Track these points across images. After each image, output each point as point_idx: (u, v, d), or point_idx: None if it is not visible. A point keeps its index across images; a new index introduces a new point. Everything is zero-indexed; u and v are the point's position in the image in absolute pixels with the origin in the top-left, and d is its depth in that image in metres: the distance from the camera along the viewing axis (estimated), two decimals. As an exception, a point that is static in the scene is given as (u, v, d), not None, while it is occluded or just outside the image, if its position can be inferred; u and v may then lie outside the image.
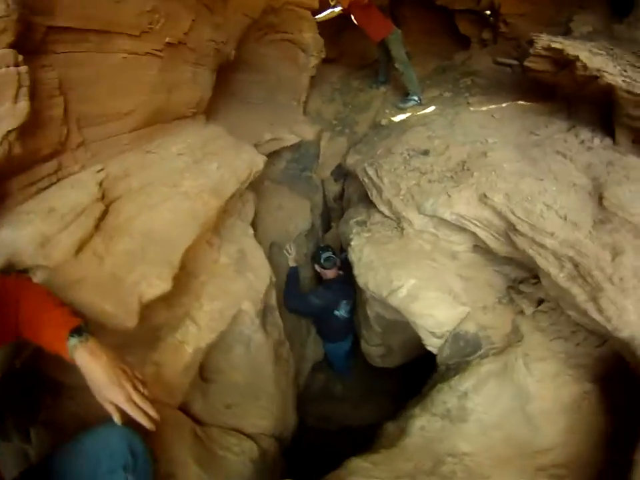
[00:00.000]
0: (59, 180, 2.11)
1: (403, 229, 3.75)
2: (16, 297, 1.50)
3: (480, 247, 3.44)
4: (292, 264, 4.45)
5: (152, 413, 1.44)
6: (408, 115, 5.51)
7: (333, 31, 6.87)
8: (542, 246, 2.59)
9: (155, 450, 1.82)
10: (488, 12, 6.34)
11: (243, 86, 5.08)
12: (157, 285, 2.13)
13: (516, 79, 5.35)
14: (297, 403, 3.79)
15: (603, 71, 3.05)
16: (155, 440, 1.89)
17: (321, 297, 4.35)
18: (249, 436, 2.83)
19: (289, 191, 5.23)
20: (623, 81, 2.94)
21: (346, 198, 5.57)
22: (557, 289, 2.59)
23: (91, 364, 1.42)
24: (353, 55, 7.58)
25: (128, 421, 1.44)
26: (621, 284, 2.20)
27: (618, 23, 4.14)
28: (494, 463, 2.53)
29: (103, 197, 2.23)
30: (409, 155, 4.07)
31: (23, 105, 1.66)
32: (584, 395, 2.60)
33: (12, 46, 1.60)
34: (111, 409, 1.41)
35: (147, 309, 2.09)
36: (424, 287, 3.33)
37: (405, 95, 5.94)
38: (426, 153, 3.98)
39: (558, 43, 3.39)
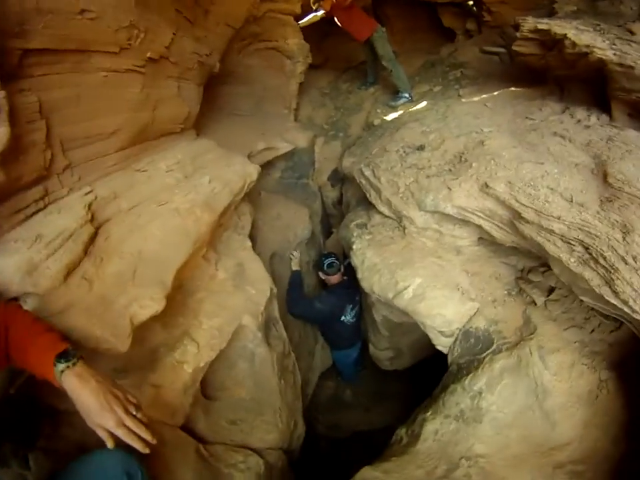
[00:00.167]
0: (46, 205, 2.07)
1: (404, 228, 3.69)
2: (5, 324, 1.47)
3: (484, 239, 3.38)
4: (295, 268, 4.43)
5: (146, 436, 1.41)
6: (400, 112, 5.48)
7: (317, 37, 6.88)
8: (550, 231, 2.50)
9: (157, 472, 1.82)
10: (471, 2, 6.35)
11: (230, 98, 5.07)
12: (149, 305, 2.08)
13: (504, 67, 5.34)
14: (305, 413, 3.75)
15: (593, 47, 3.03)
16: (156, 462, 1.89)
17: (325, 301, 4.32)
18: (255, 451, 2.78)
19: (286, 200, 5.19)
20: (614, 54, 2.92)
21: (345, 202, 5.50)
22: (569, 275, 2.50)
23: (79, 389, 1.39)
24: (338, 59, 7.59)
25: (124, 444, 1.40)
26: (635, 263, 2.11)
27: (601, -1, 4.11)
28: (510, 463, 2.47)
29: (91, 220, 2.19)
30: (404, 152, 4.01)
31: (3, 130, 1.62)
32: (601, 385, 2.52)
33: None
34: (103, 435, 1.37)
35: (143, 330, 2.07)
36: (430, 285, 3.25)
37: (395, 93, 5.91)
38: (421, 148, 3.91)
39: (544, 23, 3.38)
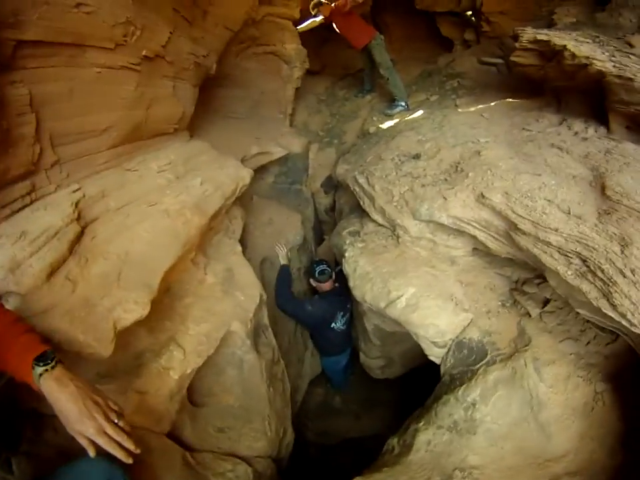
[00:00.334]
0: (32, 201, 2.04)
1: (398, 236, 3.64)
2: None
3: (479, 250, 3.34)
4: (283, 262, 4.39)
5: (128, 445, 1.36)
6: (396, 121, 5.46)
7: (315, 43, 6.89)
8: (547, 243, 2.48)
9: (142, 480, 1.76)
10: (469, 12, 6.37)
11: (226, 101, 5.04)
12: (134, 310, 2.03)
13: (502, 78, 5.35)
14: (294, 419, 3.71)
15: (592, 58, 3.04)
16: (142, 470, 1.85)
17: (317, 306, 4.27)
18: (243, 459, 2.72)
19: (279, 205, 5.16)
20: (614, 66, 2.92)
21: (337, 209, 5.47)
22: (566, 287, 2.48)
23: (57, 393, 1.34)
24: (335, 65, 7.60)
25: (108, 452, 1.35)
26: (634, 276, 2.09)
27: (600, 11, 4.13)
28: (505, 474, 2.43)
29: (78, 218, 2.15)
30: (399, 160, 3.98)
31: (-9, 122, 1.58)
32: (596, 397, 2.50)
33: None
34: (83, 442, 1.32)
35: (127, 335, 2.02)
36: (424, 295, 3.21)
37: (392, 101, 5.91)
38: (417, 157, 3.88)
39: (543, 34, 3.38)
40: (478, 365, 2.88)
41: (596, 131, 3.24)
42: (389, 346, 4.16)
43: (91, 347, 1.80)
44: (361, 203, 4.06)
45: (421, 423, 2.78)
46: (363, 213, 4.14)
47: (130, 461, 1.35)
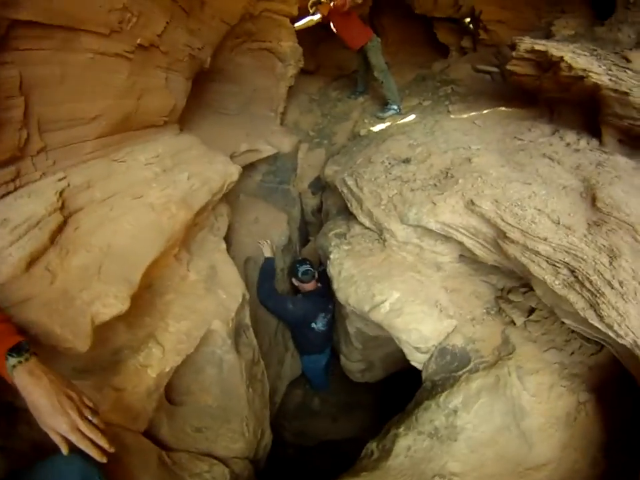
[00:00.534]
0: (16, 188, 1.97)
1: (384, 240, 3.63)
2: None
3: (466, 257, 3.34)
4: (267, 254, 4.35)
5: (103, 443, 1.32)
6: (387, 124, 5.45)
7: (311, 42, 6.84)
8: (535, 252, 2.48)
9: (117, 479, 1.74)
10: (468, 19, 6.38)
11: (218, 96, 4.97)
12: (113, 304, 1.97)
13: (496, 86, 5.38)
14: (273, 420, 3.68)
15: (589, 71, 3.05)
16: (116, 468, 1.79)
17: (298, 305, 4.24)
18: (220, 460, 2.68)
19: (266, 204, 5.13)
20: (610, 80, 2.93)
21: (324, 211, 5.45)
22: (552, 297, 2.48)
23: (30, 386, 1.30)
24: (330, 66, 7.59)
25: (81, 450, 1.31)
26: (621, 288, 2.10)
27: (599, 25, 4.15)
28: (485, 482, 2.44)
29: (62, 208, 2.09)
30: (389, 163, 3.95)
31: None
32: (579, 407, 2.51)
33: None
34: (55, 439, 1.28)
35: (106, 330, 1.97)
36: (408, 300, 3.20)
37: (384, 104, 5.91)
38: (407, 161, 3.86)
39: (541, 44, 3.39)
40: (460, 372, 2.88)
41: (588, 143, 3.25)
42: (370, 350, 4.14)
43: (68, 341, 1.74)
44: (349, 205, 4.03)
45: (401, 428, 2.77)
46: (350, 215, 4.12)
47: (104, 460, 1.31)
